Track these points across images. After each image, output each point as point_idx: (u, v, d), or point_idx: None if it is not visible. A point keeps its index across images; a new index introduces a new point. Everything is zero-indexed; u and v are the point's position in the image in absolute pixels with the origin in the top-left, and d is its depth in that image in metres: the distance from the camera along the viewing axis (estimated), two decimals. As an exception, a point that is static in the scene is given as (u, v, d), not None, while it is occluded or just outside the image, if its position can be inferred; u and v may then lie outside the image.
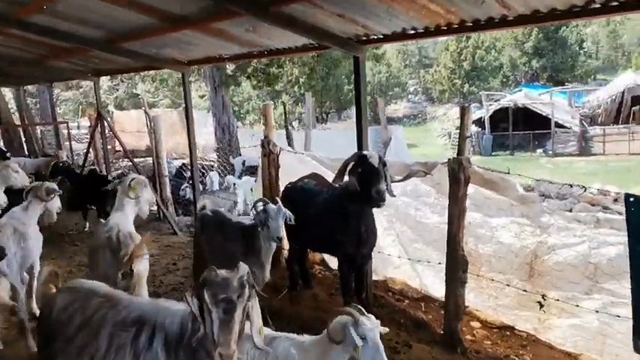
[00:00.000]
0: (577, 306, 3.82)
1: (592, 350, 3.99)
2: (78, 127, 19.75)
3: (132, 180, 4.56)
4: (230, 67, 15.38)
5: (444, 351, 4.17)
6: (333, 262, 6.47)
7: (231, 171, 13.76)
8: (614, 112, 32.72)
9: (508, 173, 3.99)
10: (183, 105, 8.03)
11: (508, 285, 4.22)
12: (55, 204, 5.21)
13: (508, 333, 4.68)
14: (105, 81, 20.88)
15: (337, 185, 4.23)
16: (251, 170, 13.38)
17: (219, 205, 9.30)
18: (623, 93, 32.48)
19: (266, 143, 6.02)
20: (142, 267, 3.77)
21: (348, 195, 4.11)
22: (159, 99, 24.89)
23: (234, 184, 9.50)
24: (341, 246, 4.32)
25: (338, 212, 4.29)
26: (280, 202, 4.05)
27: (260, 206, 4.00)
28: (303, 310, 5.06)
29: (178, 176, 11.70)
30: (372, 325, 2.61)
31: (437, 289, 5.33)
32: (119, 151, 14.97)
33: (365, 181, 3.89)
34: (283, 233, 4.31)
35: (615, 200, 9.22)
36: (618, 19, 45.85)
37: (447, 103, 44.78)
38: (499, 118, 32.65)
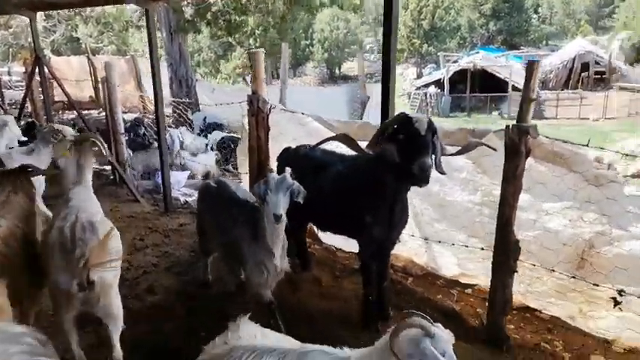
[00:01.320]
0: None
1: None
2: (9, 73, 17.33)
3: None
4: (189, 12, 13.77)
5: (487, 348, 3.58)
6: (323, 234, 5.71)
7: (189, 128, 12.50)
8: (565, 77, 33.70)
9: (587, 145, 3.25)
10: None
11: (572, 278, 3.60)
12: None
13: (529, 315, 4.20)
14: (39, 21, 18.37)
15: (365, 153, 3.37)
16: (213, 127, 12.23)
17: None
18: (574, 59, 33.41)
19: (254, 100, 5.02)
20: (108, 275, 2.66)
21: (383, 167, 3.28)
22: (103, 44, 22.40)
23: (207, 144, 8.34)
24: (368, 228, 3.53)
25: (367, 188, 3.47)
26: (289, 172, 3.22)
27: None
28: (306, 300, 4.31)
29: (132, 132, 10.33)
30: (448, 337, 2.11)
31: (452, 269, 4.78)
32: (60, 101, 13.22)
33: (407, 152, 3.05)
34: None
35: (609, 167, 8.88)
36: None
37: (404, 62, 44.21)
38: (456, 80, 32.64)
